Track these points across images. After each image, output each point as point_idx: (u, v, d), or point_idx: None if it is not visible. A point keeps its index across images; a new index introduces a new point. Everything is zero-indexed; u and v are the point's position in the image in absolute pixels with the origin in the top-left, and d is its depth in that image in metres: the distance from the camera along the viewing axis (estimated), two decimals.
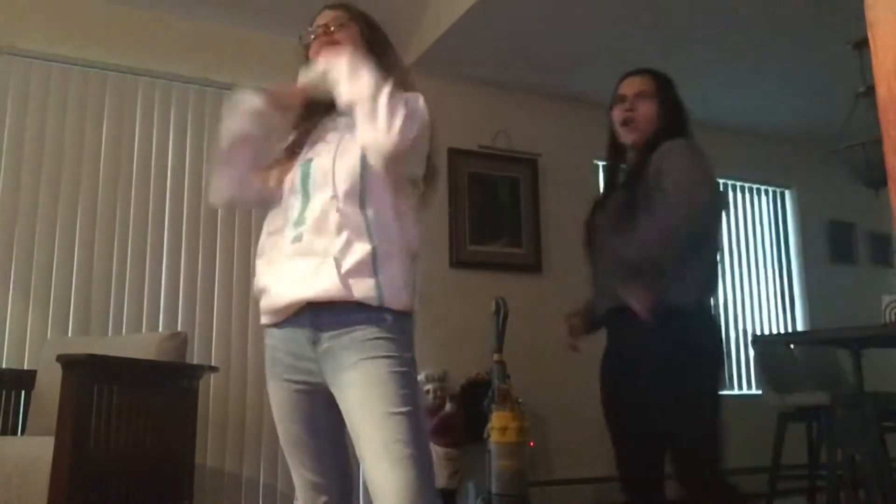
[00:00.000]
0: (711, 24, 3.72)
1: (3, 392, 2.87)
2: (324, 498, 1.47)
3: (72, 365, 2.31)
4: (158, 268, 3.43)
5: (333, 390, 1.38)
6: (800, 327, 5.12)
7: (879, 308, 3.66)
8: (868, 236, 5.44)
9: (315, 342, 1.39)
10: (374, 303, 1.35)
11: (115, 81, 3.49)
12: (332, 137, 1.50)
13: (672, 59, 4.08)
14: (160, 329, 3.36)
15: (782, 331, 5.10)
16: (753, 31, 3.79)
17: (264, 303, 1.46)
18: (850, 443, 3.31)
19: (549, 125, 4.49)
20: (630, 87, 2.09)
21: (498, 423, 3.32)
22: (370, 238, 1.38)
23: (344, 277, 1.35)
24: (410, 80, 1.55)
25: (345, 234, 1.37)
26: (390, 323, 1.36)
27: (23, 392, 2.91)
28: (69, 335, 3.21)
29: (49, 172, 3.31)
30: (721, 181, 5.08)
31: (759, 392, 4.00)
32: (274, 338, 1.46)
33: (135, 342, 2.98)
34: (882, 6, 0.77)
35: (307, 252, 1.39)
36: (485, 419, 3.38)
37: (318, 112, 1.56)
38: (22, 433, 2.86)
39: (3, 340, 3.14)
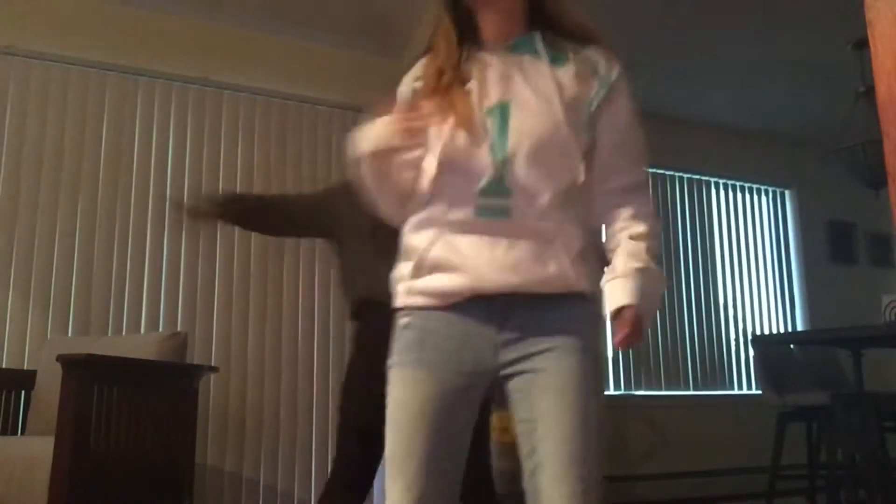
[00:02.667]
0: (711, 24, 3.72)
1: (3, 392, 2.87)
2: None
3: (72, 365, 2.31)
4: (158, 268, 3.42)
5: (515, 377, 1.19)
6: (800, 327, 5.12)
7: (879, 308, 3.66)
8: (868, 236, 5.44)
9: (501, 326, 1.18)
10: (589, 292, 1.19)
11: (115, 81, 3.49)
12: (530, 74, 1.22)
13: (672, 59, 4.10)
14: (160, 329, 3.36)
15: (782, 331, 5.10)
16: (753, 32, 3.79)
17: (436, 283, 1.19)
18: (850, 443, 3.31)
19: None
20: None
21: (498, 423, 3.31)
22: (580, 217, 1.21)
23: (572, 267, 1.16)
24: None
25: (566, 212, 1.18)
26: (590, 311, 1.21)
27: (23, 392, 2.91)
28: (69, 335, 3.21)
29: (49, 172, 3.31)
30: (721, 181, 5.09)
31: (759, 392, 4.00)
32: (433, 320, 1.20)
33: (135, 342, 2.98)
34: (882, 6, 0.77)
35: (515, 233, 1.16)
36: None
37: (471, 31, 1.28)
38: (22, 433, 2.86)
39: (3, 340, 3.14)
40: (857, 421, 3.21)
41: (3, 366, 3.10)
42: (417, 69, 1.30)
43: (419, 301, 1.22)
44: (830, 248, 5.31)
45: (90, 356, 2.38)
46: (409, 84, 1.30)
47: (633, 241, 1.21)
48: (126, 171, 3.44)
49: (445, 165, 1.18)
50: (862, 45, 3.60)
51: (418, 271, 1.21)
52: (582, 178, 1.19)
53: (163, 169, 3.52)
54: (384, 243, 2.08)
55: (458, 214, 1.18)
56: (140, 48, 3.52)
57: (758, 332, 4.97)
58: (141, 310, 3.37)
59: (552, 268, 1.16)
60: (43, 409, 2.76)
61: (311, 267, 3.65)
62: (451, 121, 1.18)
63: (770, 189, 5.28)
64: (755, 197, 5.23)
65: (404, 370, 1.22)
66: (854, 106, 3.71)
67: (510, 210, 1.16)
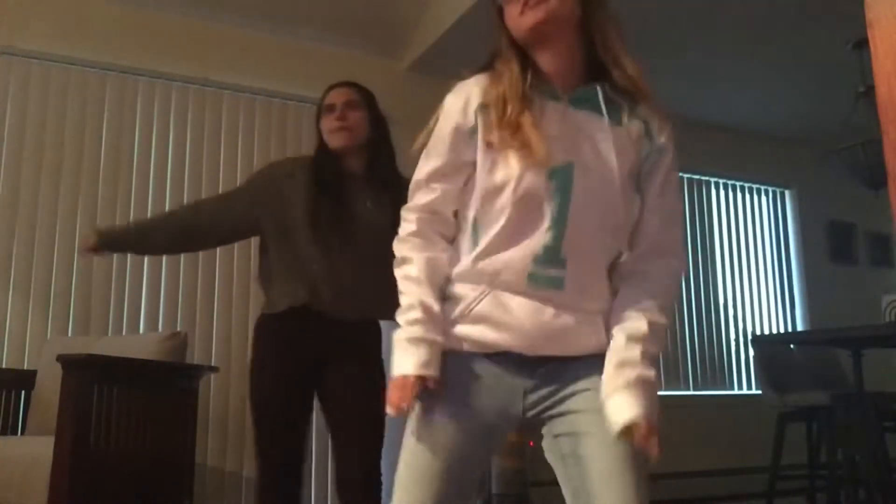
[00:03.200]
0: (711, 24, 3.72)
1: (3, 392, 2.87)
2: None
3: (72, 365, 2.31)
4: (158, 268, 3.42)
5: (551, 419, 1.21)
6: (800, 327, 5.12)
7: (879, 308, 3.66)
8: (868, 236, 5.44)
9: (531, 373, 1.20)
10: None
11: (115, 81, 3.49)
12: (593, 136, 1.18)
13: (672, 59, 4.10)
14: (160, 329, 3.36)
15: (782, 331, 5.10)
16: (753, 31, 3.79)
17: (478, 334, 1.20)
18: (850, 443, 3.31)
19: None
20: (338, 96, 2.20)
21: None
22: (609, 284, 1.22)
23: (606, 336, 1.19)
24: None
25: (608, 283, 1.21)
26: None
27: (23, 392, 2.91)
28: (69, 335, 3.21)
29: (49, 172, 3.31)
30: (721, 181, 5.09)
31: (759, 392, 4.00)
32: (468, 361, 1.22)
33: (135, 342, 2.98)
34: (882, 6, 0.77)
35: (565, 304, 1.16)
36: None
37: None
38: (22, 433, 2.86)
39: (3, 340, 3.14)
40: (857, 421, 3.21)
41: (3, 366, 3.10)
42: (477, 89, 1.25)
43: (458, 346, 1.21)
44: (830, 248, 5.31)
45: (90, 356, 2.38)
46: (470, 99, 1.25)
47: (627, 346, 1.15)
48: (126, 171, 3.45)
49: (518, 207, 1.14)
50: (862, 45, 3.60)
51: (462, 318, 1.21)
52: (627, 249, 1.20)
53: (163, 169, 3.52)
54: (325, 244, 2.09)
55: (510, 277, 1.16)
56: (140, 48, 3.52)
57: (758, 332, 4.96)
58: (141, 310, 3.37)
59: (593, 340, 1.18)
60: (43, 409, 2.76)
61: None
62: (521, 160, 1.13)
63: (770, 189, 5.28)
64: (755, 197, 5.23)
65: (431, 405, 1.20)
66: (854, 106, 3.71)
67: (563, 282, 1.15)
